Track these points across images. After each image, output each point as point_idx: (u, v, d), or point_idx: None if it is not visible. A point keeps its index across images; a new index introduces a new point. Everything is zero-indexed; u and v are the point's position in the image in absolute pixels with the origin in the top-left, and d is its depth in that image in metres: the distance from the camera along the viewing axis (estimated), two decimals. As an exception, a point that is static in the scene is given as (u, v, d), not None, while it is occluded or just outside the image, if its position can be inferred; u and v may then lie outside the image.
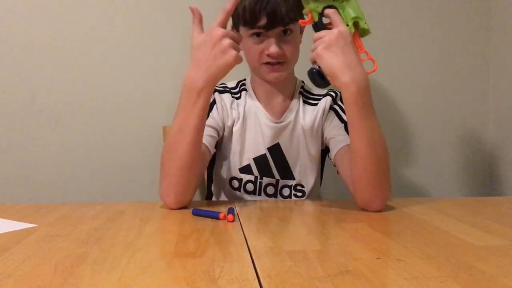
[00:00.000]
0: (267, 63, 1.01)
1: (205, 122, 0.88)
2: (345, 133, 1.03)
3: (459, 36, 1.52)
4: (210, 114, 1.04)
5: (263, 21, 0.96)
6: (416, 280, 0.49)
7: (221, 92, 1.09)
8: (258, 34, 0.99)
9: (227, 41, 0.81)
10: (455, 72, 1.53)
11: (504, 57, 1.49)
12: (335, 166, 1.04)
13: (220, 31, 0.82)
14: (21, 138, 1.34)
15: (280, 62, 1.00)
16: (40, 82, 1.34)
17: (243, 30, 1.02)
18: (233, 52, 0.82)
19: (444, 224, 0.77)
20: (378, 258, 0.58)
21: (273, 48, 0.97)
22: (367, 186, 0.86)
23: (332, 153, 1.03)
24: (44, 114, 1.35)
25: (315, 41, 0.84)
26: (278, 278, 0.50)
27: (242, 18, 0.99)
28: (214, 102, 1.07)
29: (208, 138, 1.00)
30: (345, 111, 0.87)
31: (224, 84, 1.12)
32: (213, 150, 1.02)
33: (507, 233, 0.71)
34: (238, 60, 0.83)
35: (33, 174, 1.35)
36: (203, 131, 0.89)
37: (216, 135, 1.04)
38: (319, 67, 0.84)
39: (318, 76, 0.85)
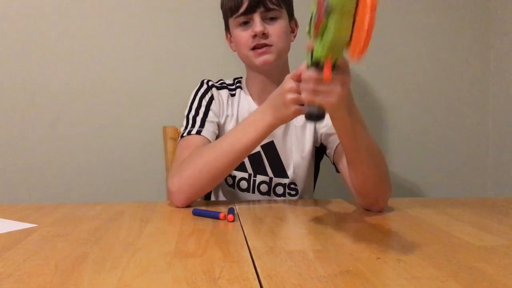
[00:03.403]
0: (254, 48, 1.02)
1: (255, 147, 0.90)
2: None
3: (459, 36, 1.52)
4: (211, 109, 1.06)
5: (245, 5, 1.00)
6: (416, 280, 0.49)
7: (218, 88, 1.11)
8: (245, 23, 1.03)
9: (290, 96, 0.81)
10: (455, 72, 1.53)
11: (505, 57, 1.49)
12: (334, 164, 1.04)
13: (289, 84, 0.82)
14: (21, 138, 1.34)
15: (267, 45, 1.01)
16: (40, 82, 1.34)
17: (232, 23, 1.06)
18: (293, 108, 0.82)
19: (444, 224, 0.77)
20: (378, 258, 0.58)
21: (257, 26, 1.00)
22: (370, 192, 0.87)
23: (331, 151, 1.03)
24: (44, 114, 1.35)
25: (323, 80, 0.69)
26: (278, 278, 0.50)
27: (228, 8, 1.05)
28: (212, 98, 1.08)
29: (212, 135, 1.03)
30: (335, 126, 0.82)
31: (222, 80, 1.14)
32: None
33: (507, 233, 0.71)
34: (297, 113, 0.83)
35: (33, 174, 1.35)
36: (248, 154, 0.91)
37: (218, 132, 1.06)
38: (322, 110, 0.70)
39: (317, 118, 0.71)
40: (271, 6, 1.01)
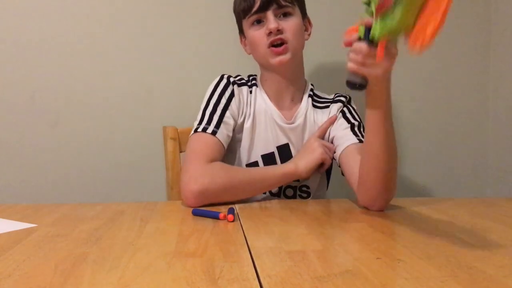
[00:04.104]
0: (271, 45, 1.02)
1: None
2: (351, 133, 1.03)
3: (459, 36, 1.52)
4: (229, 108, 1.04)
5: (257, 4, 1.01)
6: (416, 280, 0.49)
7: (239, 85, 1.09)
8: (258, 21, 1.03)
9: (317, 143, 1.03)
10: (455, 72, 1.53)
11: (504, 58, 1.49)
12: (339, 166, 1.04)
13: (314, 139, 1.05)
14: (21, 138, 1.34)
15: (282, 44, 1.01)
16: (40, 82, 1.34)
17: (245, 24, 1.06)
18: (320, 150, 1.02)
19: (444, 224, 0.77)
20: (378, 258, 0.58)
21: (271, 23, 1.00)
22: (374, 184, 0.86)
23: (338, 153, 1.03)
24: (44, 114, 1.35)
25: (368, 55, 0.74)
26: (278, 278, 0.50)
27: (241, 10, 1.05)
28: (232, 94, 1.06)
29: (226, 138, 1.01)
30: (369, 111, 0.84)
31: (241, 76, 1.12)
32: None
33: (507, 233, 0.71)
34: (323, 156, 1.01)
35: (33, 174, 1.35)
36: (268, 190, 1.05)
37: (231, 134, 1.04)
38: (365, 80, 0.76)
39: (359, 87, 0.77)
40: (283, 3, 1.01)
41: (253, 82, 1.12)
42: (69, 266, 0.54)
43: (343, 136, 1.04)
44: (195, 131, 1.00)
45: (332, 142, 1.08)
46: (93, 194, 1.37)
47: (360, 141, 1.01)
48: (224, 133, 1.00)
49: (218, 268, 0.53)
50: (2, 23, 1.32)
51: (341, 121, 1.08)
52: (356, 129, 1.05)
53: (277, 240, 0.67)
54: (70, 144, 1.36)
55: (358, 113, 1.11)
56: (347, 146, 1.01)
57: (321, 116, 1.10)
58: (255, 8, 1.01)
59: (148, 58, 1.38)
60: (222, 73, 1.10)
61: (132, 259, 0.57)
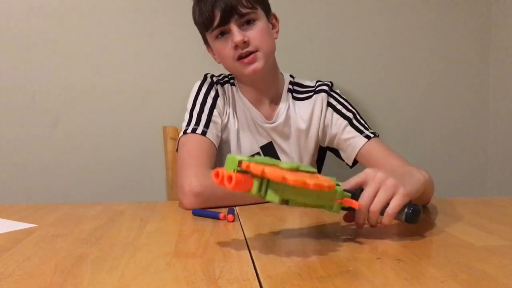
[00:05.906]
0: (239, 58, 0.98)
1: None
2: (353, 130, 1.03)
3: (459, 36, 1.52)
4: (216, 106, 1.04)
5: (217, 17, 0.96)
6: (416, 280, 0.49)
7: (222, 84, 1.09)
8: (222, 33, 0.99)
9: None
10: (455, 72, 1.53)
11: (504, 58, 1.49)
12: (349, 164, 1.05)
13: None
14: (21, 138, 1.34)
15: (251, 53, 0.98)
16: (40, 82, 1.34)
17: (209, 37, 1.03)
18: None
19: (444, 224, 0.77)
20: (378, 258, 0.58)
21: (236, 37, 0.96)
22: None
23: (352, 155, 1.03)
24: (44, 114, 1.35)
25: (369, 202, 0.66)
26: (278, 278, 0.50)
27: (201, 24, 1.01)
28: (217, 94, 1.06)
29: (216, 138, 1.01)
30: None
31: (224, 74, 1.12)
32: None
33: (507, 233, 0.71)
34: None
35: (33, 174, 1.35)
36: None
37: (220, 134, 1.04)
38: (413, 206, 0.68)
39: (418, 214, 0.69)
40: (244, 11, 0.96)
41: (232, 81, 1.11)
42: (69, 266, 0.54)
43: (348, 138, 1.03)
44: (185, 132, 0.99)
45: (334, 145, 1.07)
46: (93, 194, 1.37)
47: (367, 136, 1.01)
48: (213, 132, 1.00)
49: (218, 268, 0.53)
50: (2, 23, 1.32)
51: (335, 117, 1.06)
52: (355, 122, 1.04)
53: (277, 240, 0.67)
54: (70, 144, 1.36)
55: (344, 96, 1.09)
56: (361, 147, 1.01)
57: (304, 109, 1.08)
58: (216, 22, 0.97)
59: (148, 58, 1.38)
60: (206, 73, 1.10)
61: (132, 259, 0.57)
